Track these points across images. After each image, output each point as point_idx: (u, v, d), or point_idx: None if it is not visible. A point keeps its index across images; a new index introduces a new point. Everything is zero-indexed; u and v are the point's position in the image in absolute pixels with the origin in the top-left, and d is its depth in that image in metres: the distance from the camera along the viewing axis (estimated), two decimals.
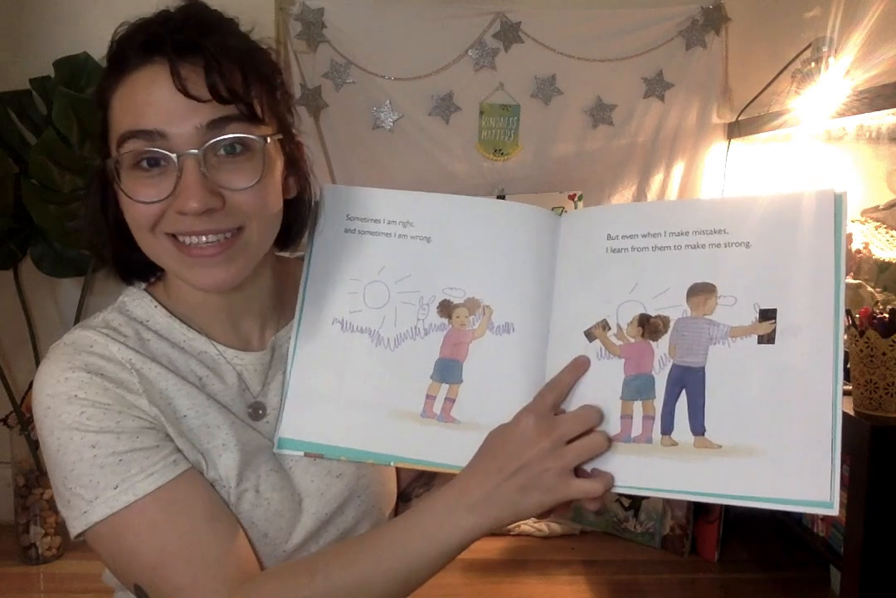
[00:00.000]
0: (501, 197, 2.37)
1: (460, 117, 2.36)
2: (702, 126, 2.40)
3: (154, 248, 0.72)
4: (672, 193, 2.43)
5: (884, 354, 1.39)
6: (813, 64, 1.92)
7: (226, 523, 0.72)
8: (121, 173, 0.69)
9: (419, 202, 0.79)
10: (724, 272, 0.69)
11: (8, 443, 2.13)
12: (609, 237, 0.73)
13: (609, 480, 0.67)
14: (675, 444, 0.67)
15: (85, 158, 1.97)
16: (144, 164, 0.68)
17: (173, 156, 0.67)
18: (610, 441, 0.68)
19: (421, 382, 0.76)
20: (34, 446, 2.08)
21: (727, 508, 2.21)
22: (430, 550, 0.68)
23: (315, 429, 0.77)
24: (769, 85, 2.17)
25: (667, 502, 2.22)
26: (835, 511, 0.61)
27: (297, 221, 0.80)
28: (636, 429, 0.69)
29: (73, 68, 2.07)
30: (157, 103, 0.67)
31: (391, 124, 2.34)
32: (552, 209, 2.42)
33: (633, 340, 0.71)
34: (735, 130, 2.35)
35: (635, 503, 2.27)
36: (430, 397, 0.75)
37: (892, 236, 2.00)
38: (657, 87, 2.37)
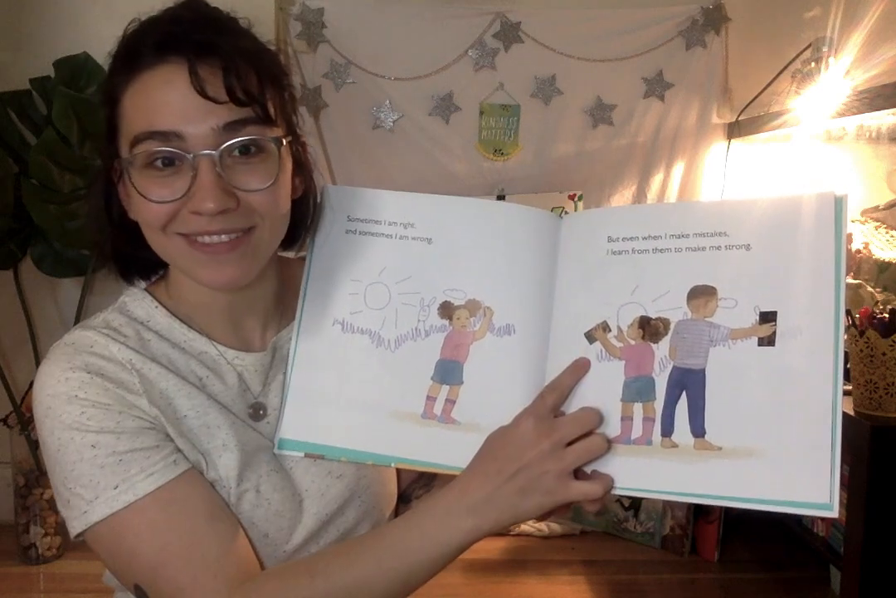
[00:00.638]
0: (501, 197, 2.37)
1: (460, 117, 2.36)
2: (702, 126, 2.40)
3: (165, 246, 0.72)
4: (672, 193, 2.43)
5: (884, 354, 1.39)
6: (813, 64, 1.92)
7: (226, 523, 0.72)
8: (132, 172, 0.69)
9: (421, 204, 0.79)
10: (725, 275, 0.69)
11: (8, 443, 2.13)
12: (610, 239, 0.73)
13: (608, 482, 0.67)
14: (675, 446, 0.67)
15: (85, 158, 1.97)
16: (158, 163, 0.68)
17: (189, 156, 0.67)
18: (610, 443, 0.68)
19: (421, 383, 0.76)
20: (34, 446, 2.08)
21: (727, 508, 2.21)
22: (430, 551, 0.68)
23: (315, 430, 0.77)
24: (769, 85, 2.17)
25: (667, 502, 2.22)
26: (834, 514, 0.61)
27: (302, 221, 0.81)
28: (636, 431, 0.69)
29: (73, 68, 2.07)
30: (173, 103, 0.67)
31: (391, 124, 2.34)
32: (552, 209, 2.43)
33: (633, 342, 0.71)
34: (735, 130, 2.35)
35: (635, 503, 2.27)
36: (430, 399, 0.75)
37: (892, 236, 2.00)
38: (657, 87, 2.37)
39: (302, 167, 0.79)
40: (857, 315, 1.45)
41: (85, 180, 1.96)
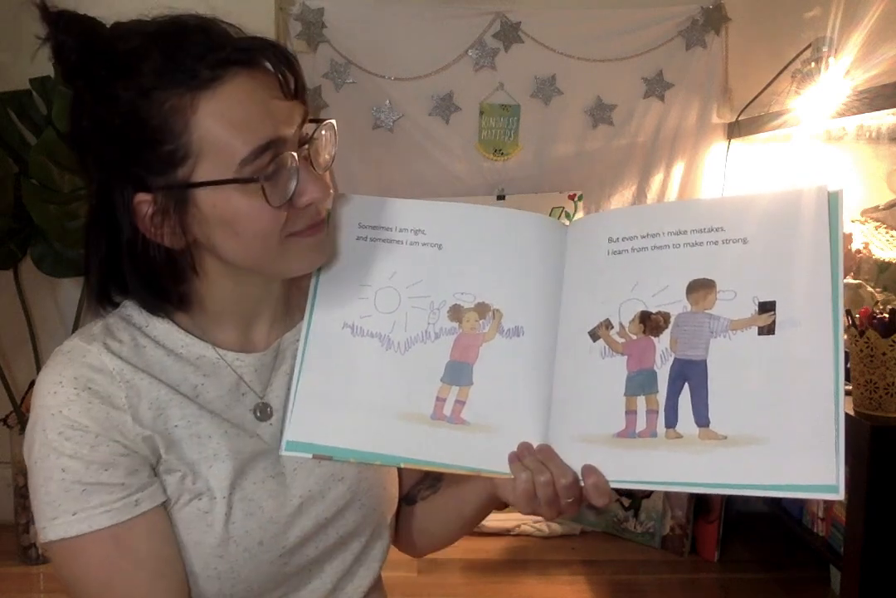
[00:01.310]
0: (501, 197, 2.37)
1: (460, 117, 2.36)
2: (702, 126, 2.40)
3: (279, 253, 0.72)
4: (672, 193, 2.43)
5: (884, 354, 1.40)
6: (813, 64, 1.92)
7: (171, 580, 0.72)
8: (264, 185, 0.67)
9: (431, 211, 0.80)
10: (723, 268, 0.70)
11: (8, 443, 2.13)
12: (610, 240, 0.75)
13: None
14: (679, 436, 0.68)
15: None
16: (294, 165, 0.68)
17: (294, 155, 0.68)
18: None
19: (431, 384, 0.76)
20: None
21: (727, 507, 2.21)
22: None
23: (324, 431, 0.77)
24: (769, 85, 2.17)
25: (667, 501, 2.22)
26: (840, 496, 0.62)
27: None
28: (640, 424, 0.69)
29: None
30: (269, 112, 0.67)
31: (391, 124, 2.34)
32: (552, 209, 2.43)
33: (634, 336, 0.72)
34: (735, 130, 2.35)
35: (635, 502, 2.27)
36: (440, 400, 0.76)
37: (892, 236, 2.00)
38: (657, 87, 2.37)
39: None
40: (857, 315, 1.45)
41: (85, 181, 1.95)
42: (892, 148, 2.07)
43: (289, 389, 0.79)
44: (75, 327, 2.16)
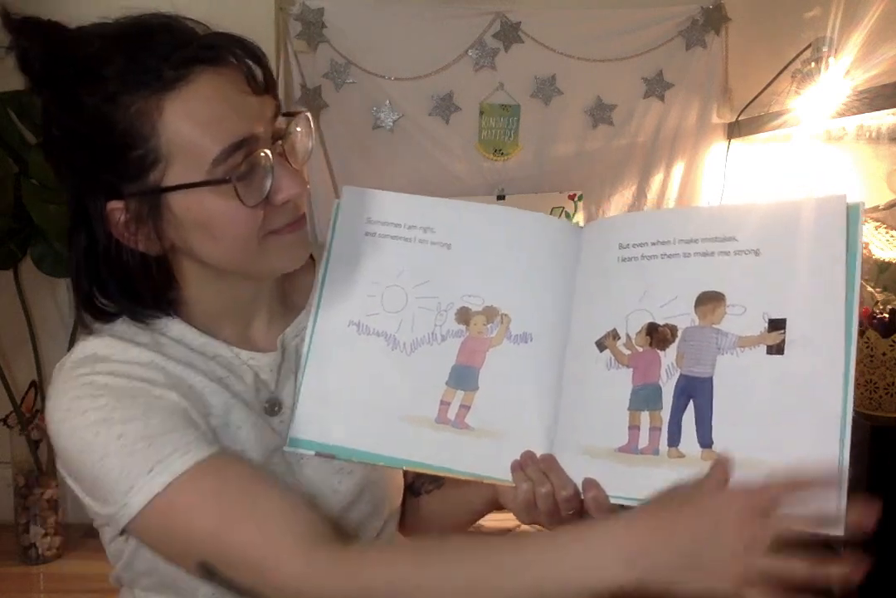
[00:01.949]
0: (501, 197, 2.37)
1: (460, 117, 2.36)
2: (702, 126, 2.40)
3: (258, 253, 0.71)
4: (672, 193, 2.43)
5: (884, 354, 1.39)
6: (813, 64, 1.92)
7: (279, 485, 0.71)
8: (236, 185, 0.66)
9: (441, 209, 0.79)
10: (733, 281, 0.67)
11: (8, 443, 2.13)
12: (621, 246, 0.73)
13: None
14: (682, 456, 0.66)
15: None
16: (268, 163, 0.67)
17: (268, 152, 0.67)
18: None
19: (436, 387, 0.75)
20: (34, 446, 2.08)
21: None
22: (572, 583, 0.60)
23: (327, 430, 0.76)
24: (769, 85, 2.17)
25: None
26: (840, 531, 0.59)
27: None
28: (643, 440, 0.68)
29: None
30: (238, 108, 0.66)
31: (391, 124, 2.34)
32: (552, 209, 2.42)
33: (641, 349, 0.70)
34: (735, 130, 2.34)
35: None
36: (444, 403, 0.75)
37: (892, 236, 2.00)
38: (657, 87, 2.37)
39: None
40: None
41: None
42: (892, 148, 2.07)
43: (295, 385, 0.79)
44: (75, 328, 2.16)
